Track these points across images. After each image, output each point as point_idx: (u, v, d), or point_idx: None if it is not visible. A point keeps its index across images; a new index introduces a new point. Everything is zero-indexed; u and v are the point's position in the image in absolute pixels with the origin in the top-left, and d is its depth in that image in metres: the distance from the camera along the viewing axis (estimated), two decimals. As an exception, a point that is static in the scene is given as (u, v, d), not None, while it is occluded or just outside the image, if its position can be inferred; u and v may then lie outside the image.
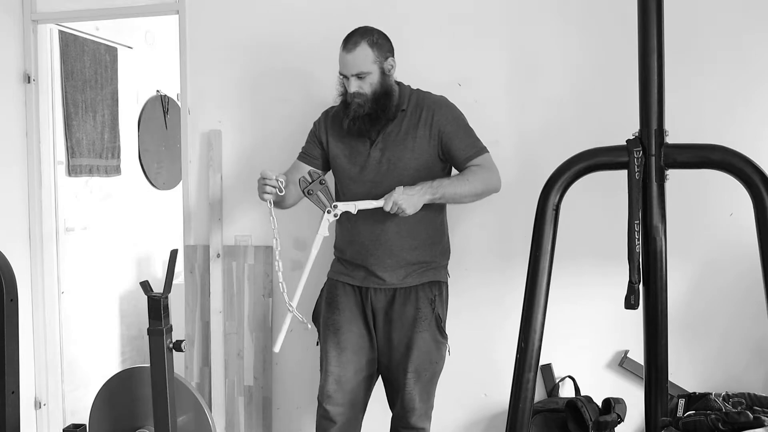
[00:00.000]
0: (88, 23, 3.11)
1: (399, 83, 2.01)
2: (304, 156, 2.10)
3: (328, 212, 1.88)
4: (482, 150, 1.97)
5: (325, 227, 1.89)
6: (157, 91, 3.81)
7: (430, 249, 2.00)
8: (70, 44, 3.01)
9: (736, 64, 2.19)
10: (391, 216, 1.89)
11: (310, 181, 1.88)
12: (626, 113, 1.54)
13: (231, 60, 2.52)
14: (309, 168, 2.01)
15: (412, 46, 2.37)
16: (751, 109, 2.19)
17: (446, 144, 1.94)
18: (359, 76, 1.89)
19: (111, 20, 3.20)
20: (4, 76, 2.69)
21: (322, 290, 2.12)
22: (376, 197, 1.89)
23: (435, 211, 2.00)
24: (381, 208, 1.86)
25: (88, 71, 3.17)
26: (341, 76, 1.94)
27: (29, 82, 2.77)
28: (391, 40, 1.98)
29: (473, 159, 1.94)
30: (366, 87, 1.89)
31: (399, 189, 1.84)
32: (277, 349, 1.92)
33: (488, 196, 1.98)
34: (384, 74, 1.92)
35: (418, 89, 2.04)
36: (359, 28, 1.94)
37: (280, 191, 1.90)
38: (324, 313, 2.06)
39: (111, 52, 3.36)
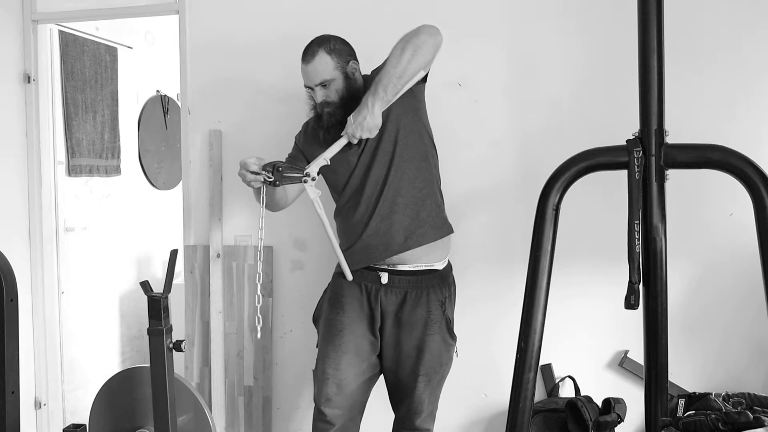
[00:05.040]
0: (88, 23, 3.11)
1: (365, 77, 1.97)
2: (292, 161, 2.06)
3: (305, 182, 1.85)
4: None
5: (312, 191, 1.86)
6: (157, 91, 3.81)
7: (427, 206, 1.93)
8: (70, 44, 3.01)
9: (736, 64, 2.20)
10: (386, 206, 1.87)
11: (271, 177, 1.82)
12: (626, 113, 1.54)
13: (231, 60, 2.52)
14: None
15: (412, 46, 2.37)
16: (751, 108, 2.19)
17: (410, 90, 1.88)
18: (323, 85, 1.87)
19: (111, 20, 3.20)
20: (4, 76, 2.69)
21: (325, 291, 2.08)
22: (380, 194, 1.88)
23: (422, 183, 1.93)
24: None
25: (88, 71, 3.17)
26: (307, 89, 1.91)
27: (29, 82, 2.77)
28: (351, 44, 1.94)
29: None
30: (332, 94, 1.87)
31: (349, 120, 1.80)
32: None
33: (435, 45, 1.84)
34: (348, 78, 1.89)
35: (373, 71, 1.97)
36: (316, 38, 1.91)
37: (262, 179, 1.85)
38: (326, 314, 2.00)
39: (111, 52, 3.36)
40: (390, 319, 1.93)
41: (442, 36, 1.84)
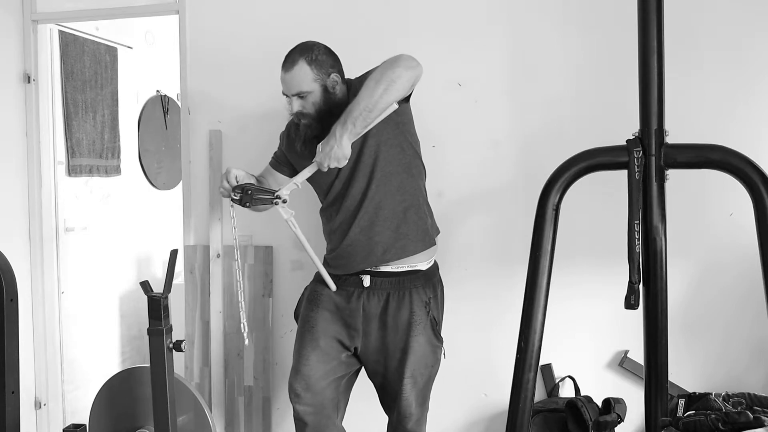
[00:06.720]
0: (88, 23, 3.10)
1: (348, 81, 1.93)
2: (276, 164, 2.08)
3: (276, 204, 1.87)
4: None
5: (285, 212, 1.88)
6: (157, 91, 3.81)
7: (408, 220, 1.91)
8: (70, 44, 3.01)
9: (736, 64, 2.20)
10: (366, 218, 1.87)
11: (240, 199, 1.85)
12: (626, 113, 1.54)
13: (231, 60, 2.52)
14: (278, 174, 2.05)
15: (412, 46, 2.36)
16: (751, 108, 2.19)
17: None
18: (300, 96, 1.84)
19: (111, 20, 3.20)
20: (4, 76, 2.69)
21: (306, 288, 2.09)
22: (360, 206, 1.88)
23: (404, 195, 1.91)
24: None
25: (88, 71, 3.17)
26: (285, 96, 1.89)
27: (29, 82, 2.77)
28: (337, 54, 1.90)
29: None
30: (309, 107, 1.84)
31: (318, 148, 1.79)
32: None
33: (411, 78, 1.77)
34: (327, 92, 1.84)
35: (357, 79, 1.93)
36: (299, 44, 1.87)
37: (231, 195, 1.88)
38: (303, 310, 2.02)
39: (111, 52, 3.36)
40: (374, 322, 1.92)
41: (422, 68, 1.80)
